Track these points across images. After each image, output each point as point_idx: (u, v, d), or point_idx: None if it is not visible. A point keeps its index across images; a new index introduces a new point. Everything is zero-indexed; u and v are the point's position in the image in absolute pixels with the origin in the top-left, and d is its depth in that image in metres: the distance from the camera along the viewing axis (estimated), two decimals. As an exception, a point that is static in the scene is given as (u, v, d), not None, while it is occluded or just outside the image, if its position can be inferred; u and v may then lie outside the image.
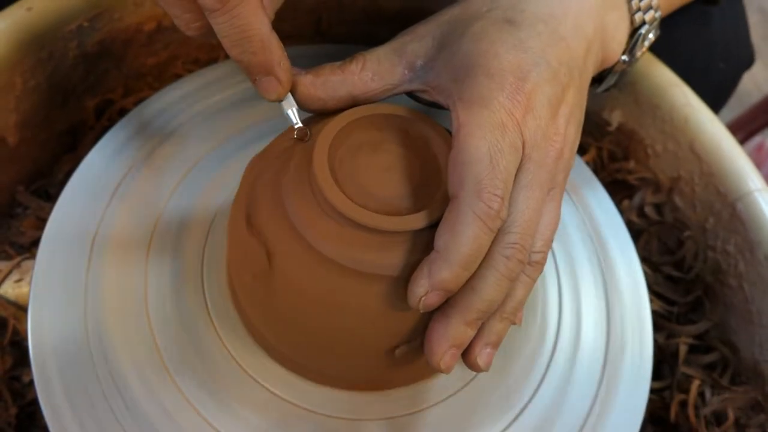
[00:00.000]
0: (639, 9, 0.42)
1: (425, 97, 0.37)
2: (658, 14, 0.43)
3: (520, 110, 0.33)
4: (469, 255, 0.32)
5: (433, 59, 0.37)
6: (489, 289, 0.33)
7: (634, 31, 0.43)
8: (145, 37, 0.55)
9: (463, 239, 0.31)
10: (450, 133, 0.35)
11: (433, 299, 0.32)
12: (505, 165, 0.32)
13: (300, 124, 0.36)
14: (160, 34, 0.56)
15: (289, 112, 0.36)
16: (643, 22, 0.42)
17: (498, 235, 0.33)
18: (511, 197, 0.33)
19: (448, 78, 0.35)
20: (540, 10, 0.37)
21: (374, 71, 0.37)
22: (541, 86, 0.34)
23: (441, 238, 0.32)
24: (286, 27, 0.60)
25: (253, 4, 0.33)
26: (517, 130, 0.33)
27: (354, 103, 0.37)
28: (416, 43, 0.37)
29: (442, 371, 0.34)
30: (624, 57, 0.43)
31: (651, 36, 0.43)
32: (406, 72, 0.37)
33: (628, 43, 0.43)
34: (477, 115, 0.33)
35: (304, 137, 0.36)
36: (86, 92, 0.54)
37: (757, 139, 1.03)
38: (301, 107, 0.37)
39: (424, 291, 0.32)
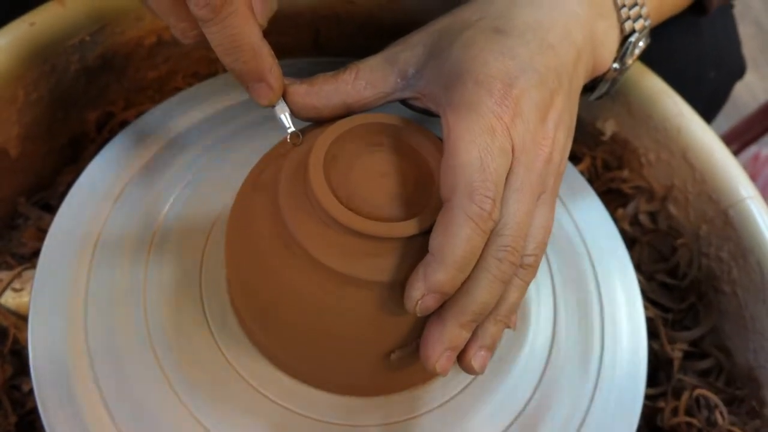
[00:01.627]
0: (629, 18, 0.42)
1: (417, 104, 0.38)
2: (647, 23, 0.43)
3: (509, 114, 0.34)
4: (463, 256, 0.32)
5: (424, 67, 0.37)
6: (482, 291, 0.33)
7: (624, 39, 0.43)
8: (146, 51, 0.56)
9: (456, 241, 0.32)
10: (442, 140, 0.35)
11: (430, 302, 0.33)
12: (495, 167, 0.33)
13: (292, 128, 0.37)
14: (161, 48, 0.57)
15: (282, 116, 0.37)
16: (633, 31, 0.43)
17: (490, 237, 0.33)
18: (502, 201, 0.34)
19: (438, 85, 0.36)
20: (529, 20, 0.37)
21: (367, 80, 0.37)
22: (529, 91, 0.35)
23: (435, 241, 0.33)
24: (285, 40, 0.61)
25: (244, 14, 0.33)
26: (506, 134, 0.34)
27: (348, 111, 0.38)
28: (408, 52, 0.38)
29: (438, 374, 0.34)
30: (615, 65, 0.43)
31: (641, 44, 0.44)
32: (398, 80, 0.38)
33: (618, 51, 0.43)
34: (466, 120, 0.33)
35: (297, 141, 0.37)
36: (87, 105, 0.55)
37: (753, 149, 1.04)
38: (297, 116, 0.38)
39: (420, 294, 0.33)
